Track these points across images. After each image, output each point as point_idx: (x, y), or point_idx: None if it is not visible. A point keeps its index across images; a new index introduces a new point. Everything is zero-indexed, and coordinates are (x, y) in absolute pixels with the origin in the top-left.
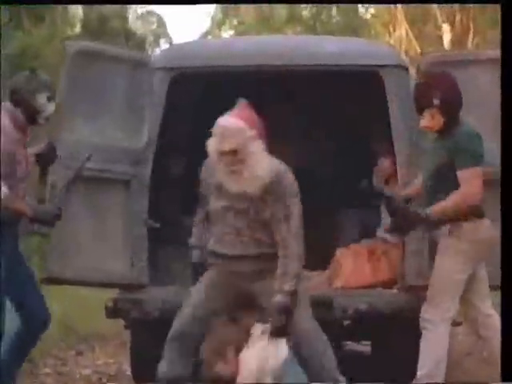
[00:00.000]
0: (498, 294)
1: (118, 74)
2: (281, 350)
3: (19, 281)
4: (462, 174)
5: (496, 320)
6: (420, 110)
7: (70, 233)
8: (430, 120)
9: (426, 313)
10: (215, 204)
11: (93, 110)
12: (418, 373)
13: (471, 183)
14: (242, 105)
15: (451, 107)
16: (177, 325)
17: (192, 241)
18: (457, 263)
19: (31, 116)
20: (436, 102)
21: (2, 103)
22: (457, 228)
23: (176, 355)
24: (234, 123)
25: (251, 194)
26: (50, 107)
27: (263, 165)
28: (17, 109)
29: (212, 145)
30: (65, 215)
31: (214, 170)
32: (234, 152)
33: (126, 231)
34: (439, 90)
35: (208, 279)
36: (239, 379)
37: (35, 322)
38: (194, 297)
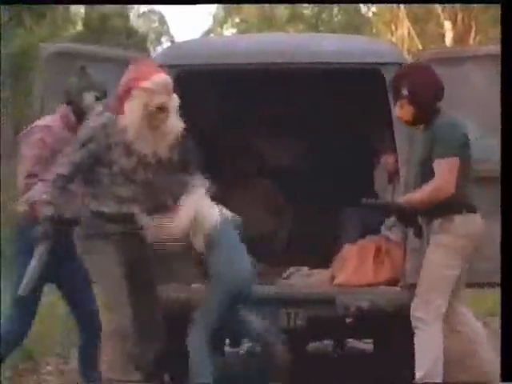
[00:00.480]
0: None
1: (103, 73)
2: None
3: (72, 282)
4: (436, 165)
5: (469, 317)
6: (395, 101)
7: None
8: (400, 110)
9: (417, 311)
10: (126, 163)
11: None
12: (417, 374)
13: (444, 174)
14: (148, 61)
15: (419, 98)
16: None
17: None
18: (448, 258)
19: (80, 116)
20: (404, 92)
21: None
22: (448, 223)
23: (119, 354)
24: (167, 79)
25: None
26: (98, 107)
27: (175, 120)
28: (69, 108)
29: (146, 100)
30: None
31: (124, 129)
32: (164, 108)
33: None
34: (407, 80)
35: (112, 255)
36: (177, 221)
37: (87, 323)
38: (112, 297)
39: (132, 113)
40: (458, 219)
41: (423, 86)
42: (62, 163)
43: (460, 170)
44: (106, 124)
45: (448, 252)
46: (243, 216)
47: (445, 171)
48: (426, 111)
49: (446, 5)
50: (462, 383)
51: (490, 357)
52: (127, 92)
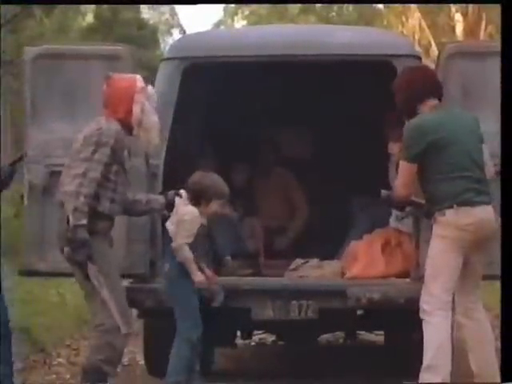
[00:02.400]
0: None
1: (92, 70)
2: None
3: None
4: None
5: (476, 312)
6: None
7: (47, 226)
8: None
9: (423, 302)
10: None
11: (71, 109)
12: (423, 364)
13: (398, 177)
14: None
15: (397, 98)
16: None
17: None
18: (445, 249)
19: None
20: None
21: None
22: (441, 215)
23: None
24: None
25: None
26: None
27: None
28: None
29: (145, 99)
30: (42, 208)
31: (141, 130)
32: None
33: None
34: (398, 79)
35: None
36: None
37: None
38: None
39: (149, 114)
40: (449, 212)
41: (401, 87)
42: (84, 181)
43: (429, 171)
44: (118, 130)
45: (444, 243)
46: (262, 206)
47: (399, 174)
48: (405, 112)
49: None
50: (460, 383)
51: (482, 358)
52: (131, 98)
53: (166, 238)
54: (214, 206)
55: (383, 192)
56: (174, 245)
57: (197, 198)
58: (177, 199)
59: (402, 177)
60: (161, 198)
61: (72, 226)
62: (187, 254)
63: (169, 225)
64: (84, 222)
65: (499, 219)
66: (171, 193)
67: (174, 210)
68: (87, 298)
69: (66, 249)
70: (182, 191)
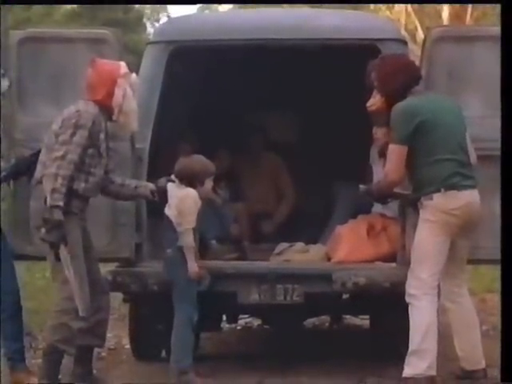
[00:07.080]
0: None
1: (77, 54)
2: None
3: None
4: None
5: (461, 296)
6: (369, 90)
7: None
8: (372, 99)
9: (409, 287)
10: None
11: (58, 93)
12: (409, 348)
13: (388, 161)
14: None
15: (386, 87)
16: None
17: None
18: (432, 233)
19: None
20: (375, 82)
21: None
22: (428, 200)
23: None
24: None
25: None
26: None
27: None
28: None
29: (128, 84)
30: (28, 192)
31: (120, 113)
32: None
33: (104, 206)
34: (376, 71)
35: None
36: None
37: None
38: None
39: (129, 100)
40: (436, 197)
41: (390, 76)
42: (63, 163)
43: (416, 155)
44: (95, 113)
45: (431, 227)
46: (250, 191)
47: (388, 159)
48: (394, 100)
49: None
50: (454, 374)
51: (466, 342)
52: (113, 82)
53: (166, 222)
54: (209, 185)
55: (361, 187)
56: (180, 229)
57: (191, 183)
58: (169, 185)
59: (393, 161)
60: (150, 185)
61: (49, 206)
62: (190, 242)
63: (167, 210)
64: (61, 203)
65: (499, 206)
66: (162, 179)
67: (169, 195)
68: (54, 279)
69: (42, 229)
70: (173, 177)
